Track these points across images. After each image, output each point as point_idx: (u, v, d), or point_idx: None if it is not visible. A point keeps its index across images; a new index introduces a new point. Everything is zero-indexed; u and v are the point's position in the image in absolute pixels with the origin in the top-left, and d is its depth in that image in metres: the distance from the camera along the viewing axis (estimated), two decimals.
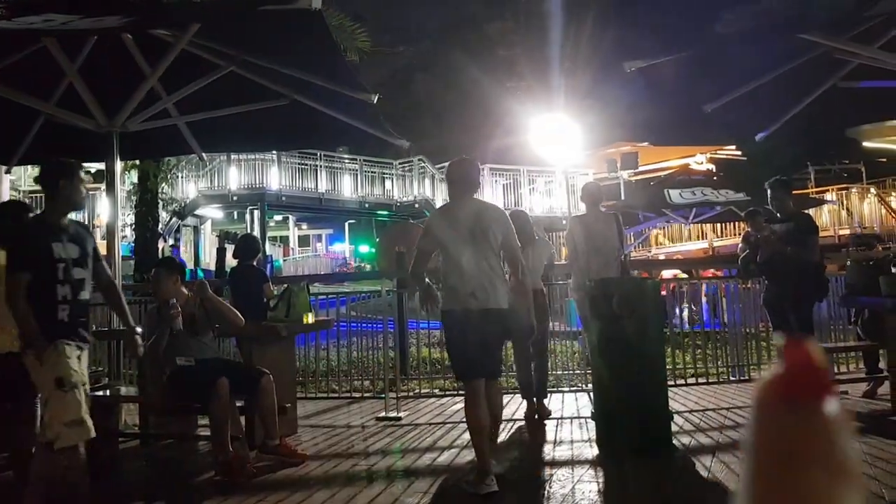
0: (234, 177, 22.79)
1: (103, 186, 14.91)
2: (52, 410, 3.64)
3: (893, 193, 21.25)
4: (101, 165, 14.19)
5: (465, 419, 4.44)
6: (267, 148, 17.71)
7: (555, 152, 16.71)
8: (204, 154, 8.03)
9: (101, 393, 5.74)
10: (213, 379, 4.70)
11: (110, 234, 6.62)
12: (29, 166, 17.53)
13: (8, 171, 10.03)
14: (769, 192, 6.66)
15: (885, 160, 23.55)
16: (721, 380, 7.82)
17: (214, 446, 4.77)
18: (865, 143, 22.76)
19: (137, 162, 12.36)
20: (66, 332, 3.77)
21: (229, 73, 6.28)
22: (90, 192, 18.15)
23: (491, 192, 24.73)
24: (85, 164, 16.16)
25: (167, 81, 6.41)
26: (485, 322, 4.33)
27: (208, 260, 24.48)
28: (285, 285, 6.48)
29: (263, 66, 6.27)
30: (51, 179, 4.06)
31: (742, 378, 7.88)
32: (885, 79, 6.19)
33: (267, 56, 6.18)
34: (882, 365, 6.71)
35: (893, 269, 6.15)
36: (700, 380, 7.82)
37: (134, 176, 13.71)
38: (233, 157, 22.29)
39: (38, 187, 18.64)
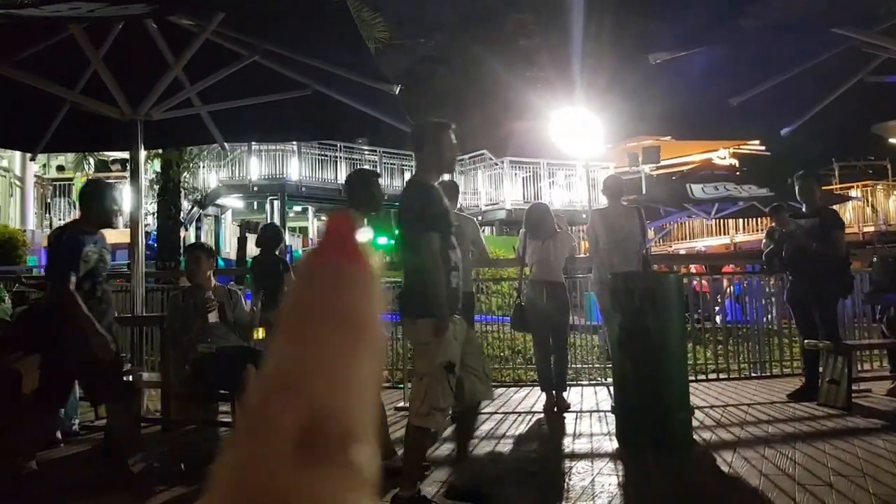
0: (255, 167, 22.89)
1: (127, 175, 15.02)
2: (430, 391, 3.48)
3: None
4: (125, 154, 14.30)
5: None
6: (288, 138, 17.77)
7: (575, 145, 16.60)
8: (226, 144, 8.07)
9: (123, 378, 5.79)
10: (243, 366, 4.73)
11: (134, 223, 6.67)
12: (53, 154, 17.75)
13: (33, 159, 10.14)
14: (797, 184, 6.58)
15: None
16: (742, 376, 7.76)
17: None
18: (891, 140, 22.48)
19: (160, 151, 12.43)
20: (455, 302, 3.60)
21: (252, 63, 6.29)
22: (116, 181, 18.34)
23: (510, 186, 24.67)
24: (109, 154, 16.36)
25: (191, 71, 6.44)
26: None
27: (228, 249, 24.62)
28: None
29: (286, 56, 6.28)
30: (416, 143, 3.88)
31: (763, 374, 7.82)
32: None
33: (290, 46, 6.19)
34: None
35: None
36: (721, 375, 7.77)
37: (157, 165, 13.78)
38: (253, 147, 22.38)
39: (61, 175, 18.91)
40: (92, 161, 17.31)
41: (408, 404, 6.56)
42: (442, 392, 3.47)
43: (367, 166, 25.03)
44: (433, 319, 3.45)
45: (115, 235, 17.92)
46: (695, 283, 9.74)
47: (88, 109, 6.51)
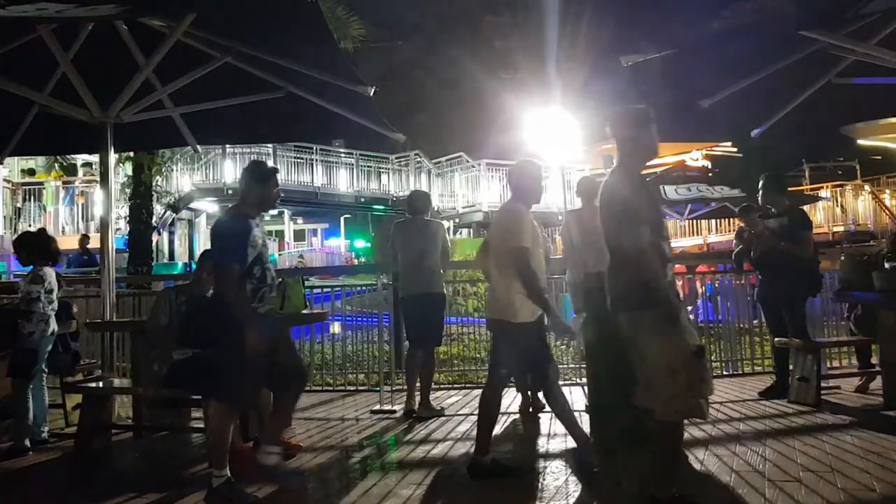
0: (230, 170, 22.72)
1: (97, 178, 14.82)
2: (687, 379, 3.34)
3: (887, 191, 21.33)
4: (95, 158, 14.11)
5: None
6: (263, 140, 17.67)
7: (551, 148, 16.70)
8: (199, 146, 8.01)
9: (94, 385, 5.73)
10: (220, 371, 4.68)
11: (104, 227, 6.61)
12: (21, 159, 17.50)
13: (0, 163, 9.98)
14: (762, 188, 6.65)
15: (879, 157, 23.64)
16: (714, 374, 7.83)
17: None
18: (860, 141, 22.77)
19: (131, 154, 12.32)
20: (675, 295, 3.53)
21: (224, 65, 6.26)
22: (84, 187, 18.10)
23: (487, 187, 24.72)
24: (80, 157, 16.17)
25: (162, 73, 6.39)
26: (425, 302, 6.27)
27: None
28: (280, 278, 6.45)
29: (259, 57, 6.26)
30: (619, 131, 3.67)
31: (735, 372, 7.91)
32: (881, 75, 6.20)
33: (262, 47, 6.17)
34: (874, 360, 6.74)
35: (886, 265, 6.16)
36: None
37: (128, 168, 13.66)
38: (228, 150, 22.23)
39: (29, 180, 18.61)
40: (58, 166, 17.06)
41: (382, 407, 6.57)
42: (702, 378, 3.39)
43: (342, 169, 25.03)
44: (659, 309, 3.37)
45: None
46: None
47: (57, 112, 6.43)
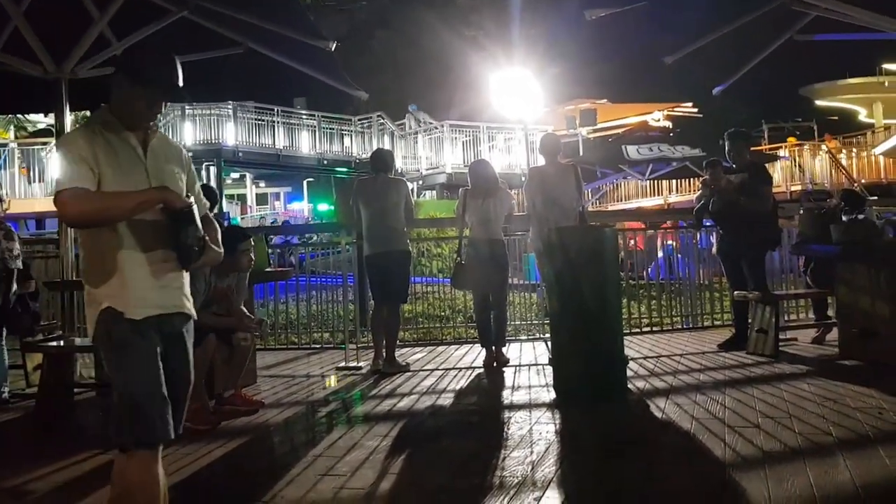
0: (189, 132, 22.26)
1: (52, 140, 14.46)
2: None
3: (843, 151, 21.72)
4: (51, 119, 13.72)
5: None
6: (222, 98, 17.31)
7: (515, 109, 16.66)
8: None
9: (54, 344, 5.65)
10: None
11: None
12: None
13: None
14: (727, 142, 6.70)
15: (836, 118, 24.09)
16: (675, 328, 8.00)
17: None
18: (818, 102, 23.23)
19: (88, 114, 12.01)
20: None
21: (182, 19, 6.12)
22: (34, 147, 17.63)
23: (450, 149, 24.61)
24: (36, 119, 15.69)
25: (117, 27, 6.23)
26: (388, 260, 6.26)
27: None
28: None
29: (217, 11, 6.12)
30: None
31: (695, 326, 8.07)
32: (842, 31, 6.28)
33: (220, 1, 6.04)
34: (830, 312, 6.92)
35: (844, 218, 6.30)
36: (655, 328, 7.99)
37: None
38: (187, 111, 21.76)
39: None
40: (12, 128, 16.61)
41: (347, 364, 6.60)
42: None
43: (305, 131, 24.68)
44: None
45: (44, 203, 17.30)
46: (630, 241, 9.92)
47: (10, 68, 6.25)
